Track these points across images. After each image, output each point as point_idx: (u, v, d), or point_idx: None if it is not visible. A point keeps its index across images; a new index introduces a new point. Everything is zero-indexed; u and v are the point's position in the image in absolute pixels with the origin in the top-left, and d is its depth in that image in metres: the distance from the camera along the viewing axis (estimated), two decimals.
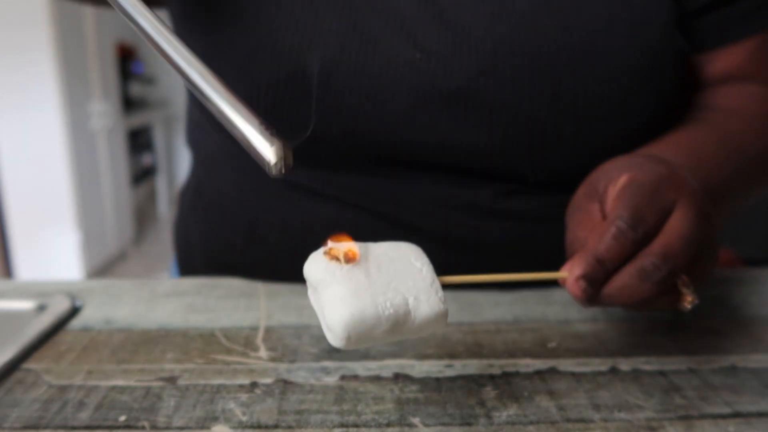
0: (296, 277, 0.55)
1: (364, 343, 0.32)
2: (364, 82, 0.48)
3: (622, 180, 0.39)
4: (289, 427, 0.35)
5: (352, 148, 0.50)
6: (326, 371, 0.41)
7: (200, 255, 0.63)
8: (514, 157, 0.50)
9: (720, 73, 0.56)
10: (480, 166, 0.51)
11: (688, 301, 0.37)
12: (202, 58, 0.52)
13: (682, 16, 0.52)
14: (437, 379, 0.40)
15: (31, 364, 0.41)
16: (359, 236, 0.56)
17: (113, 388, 0.39)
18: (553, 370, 0.41)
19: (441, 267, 0.56)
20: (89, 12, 2.74)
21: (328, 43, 0.47)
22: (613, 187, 0.40)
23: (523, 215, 0.53)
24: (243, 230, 0.57)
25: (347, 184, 0.53)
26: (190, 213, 0.64)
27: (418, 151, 0.50)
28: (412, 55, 0.48)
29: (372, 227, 0.53)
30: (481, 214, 0.52)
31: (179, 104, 4.08)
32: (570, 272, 0.36)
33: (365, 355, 0.43)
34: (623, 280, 0.36)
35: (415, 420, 0.36)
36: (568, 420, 0.35)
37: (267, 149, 0.29)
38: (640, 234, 0.36)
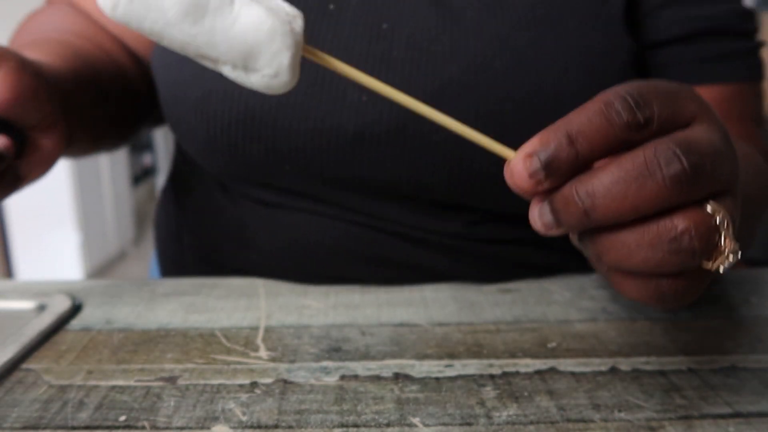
0: (290, 279, 0.55)
1: (135, 24, 0.23)
2: (309, 124, 0.48)
3: None
4: (289, 427, 0.35)
5: (308, 181, 0.51)
6: (326, 371, 0.41)
7: (193, 254, 0.63)
8: (462, 195, 0.50)
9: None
10: (437, 200, 0.51)
11: (729, 248, 0.25)
12: (163, 99, 0.53)
13: (640, 51, 0.52)
14: (437, 379, 0.40)
15: (31, 364, 0.41)
16: (350, 243, 0.56)
17: (113, 388, 0.39)
18: (553, 370, 0.41)
19: (429, 268, 0.55)
20: None
21: None
22: None
23: (499, 240, 0.53)
24: (233, 233, 0.57)
25: (317, 208, 0.53)
26: (179, 211, 0.64)
27: (369, 186, 0.50)
28: (358, 97, 0.47)
29: (358, 235, 0.53)
30: (456, 239, 0.52)
31: None
32: (519, 149, 0.26)
33: (365, 355, 0.43)
34: (619, 169, 0.24)
35: (415, 420, 0.36)
36: (568, 420, 0.35)
37: None
38: (641, 118, 0.25)
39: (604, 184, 0.24)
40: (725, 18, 0.54)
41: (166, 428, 0.35)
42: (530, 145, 0.25)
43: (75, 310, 0.50)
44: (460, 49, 0.47)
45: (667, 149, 0.24)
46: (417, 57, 0.47)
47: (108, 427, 0.35)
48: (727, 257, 0.26)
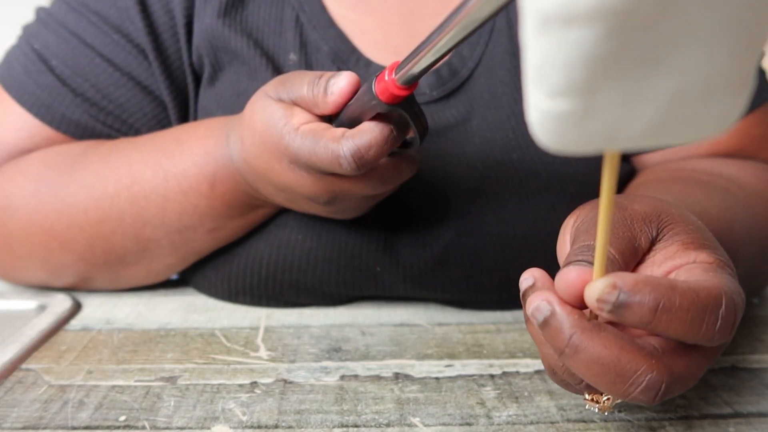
0: (290, 303, 0.52)
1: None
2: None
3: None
4: (289, 427, 0.35)
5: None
6: (326, 371, 0.41)
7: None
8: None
9: (707, 153, 0.51)
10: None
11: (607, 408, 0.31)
12: None
13: None
14: (437, 379, 0.40)
15: (31, 364, 0.41)
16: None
17: (113, 388, 0.39)
18: None
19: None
20: None
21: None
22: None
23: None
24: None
25: None
26: None
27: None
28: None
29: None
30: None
31: None
32: (609, 275, 0.25)
33: (365, 355, 0.43)
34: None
35: (415, 420, 0.36)
36: (568, 420, 0.35)
37: None
38: (717, 339, 0.26)
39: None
40: None
41: (166, 428, 0.35)
42: (622, 280, 0.24)
43: (75, 310, 0.50)
44: (453, 217, 0.48)
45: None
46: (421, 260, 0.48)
47: (108, 427, 0.35)
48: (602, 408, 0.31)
